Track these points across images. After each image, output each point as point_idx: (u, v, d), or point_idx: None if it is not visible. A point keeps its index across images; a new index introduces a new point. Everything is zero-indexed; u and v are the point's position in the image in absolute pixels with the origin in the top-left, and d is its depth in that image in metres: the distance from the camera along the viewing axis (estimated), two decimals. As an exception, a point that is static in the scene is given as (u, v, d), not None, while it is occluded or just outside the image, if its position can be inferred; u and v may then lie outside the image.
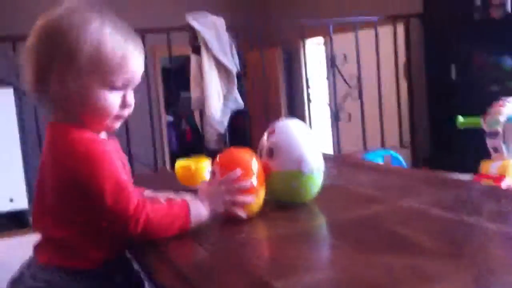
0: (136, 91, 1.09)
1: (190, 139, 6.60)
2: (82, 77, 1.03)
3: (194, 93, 3.58)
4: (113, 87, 1.04)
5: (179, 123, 6.89)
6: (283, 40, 5.23)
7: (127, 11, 4.11)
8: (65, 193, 1.03)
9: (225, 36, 3.60)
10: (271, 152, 1.15)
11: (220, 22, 3.59)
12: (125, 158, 1.14)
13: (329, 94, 5.21)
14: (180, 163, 1.44)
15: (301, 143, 1.15)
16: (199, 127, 3.67)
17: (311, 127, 4.06)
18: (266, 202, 1.13)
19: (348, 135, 4.47)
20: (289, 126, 1.18)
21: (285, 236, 0.99)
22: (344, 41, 4.36)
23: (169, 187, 1.29)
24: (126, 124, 3.62)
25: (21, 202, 3.26)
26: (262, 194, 1.11)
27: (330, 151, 4.55)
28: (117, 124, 1.10)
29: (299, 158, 1.14)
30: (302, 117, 4.85)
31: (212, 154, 1.15)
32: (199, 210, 1.05)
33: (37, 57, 1.04)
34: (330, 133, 4.95)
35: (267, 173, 1.14)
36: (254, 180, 1.09)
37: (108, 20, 1.05)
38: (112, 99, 1.05)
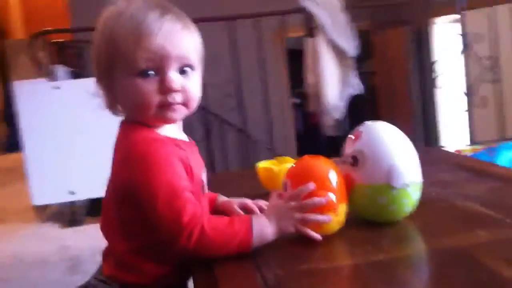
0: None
1: (317, 122, 6.42)
2: (112, 68, 0.94)
3: (309, 77, 3.43)
4: (140, 72, 0.92)
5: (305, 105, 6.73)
6: (410, 19, 4.86)
7: None
8: (121, 201, 0.94)
9: (342, 17, 3.38)
10: (355, 161, 0.97)
11: (336, 2, 3.38)
12: (199, 164, 1.02)
13: (462, 77, 4.79)
14: (263, 164, 1.29)
15: (392, 151, 0.95)
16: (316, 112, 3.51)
17: (439, 113, 3.73)
18: (348, 219, 0.96)
19: (484, 122, 4.05)
20: (378, 130, 0.98)
21: (361, 266, 0.82)
22: (478, 19, 3.94)
23: (252, 189, 1.16)
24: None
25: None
26: (342, 211, 0.94)
27: (462, 140, 4.17)
28: (174, 114, 0.96)
29: (389, 169, 0.94)
30: (431, 103, 4.50)
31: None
32: (264, 229, 0.90)
33: (96, 54, 0.98)
34: (463, 120, 4.54)
35: (349, 186, 0.97)
36: (331, 195, 0.92)
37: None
38: (143, 85, 0.92)
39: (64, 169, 3.24)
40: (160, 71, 0.92)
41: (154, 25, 0.91)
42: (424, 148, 1.84)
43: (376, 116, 5.21)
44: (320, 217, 0.91)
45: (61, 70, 3.83)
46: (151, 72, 0.92)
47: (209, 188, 1.09)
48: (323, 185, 0.92)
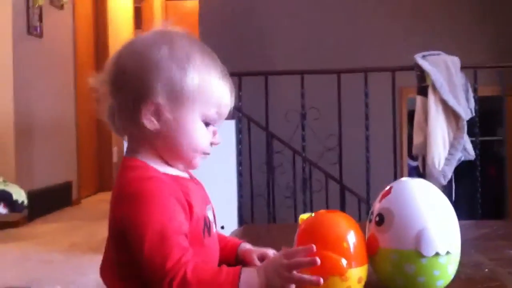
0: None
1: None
2: (182, 108, 0.94)
3: (416, 137, 3.24)
4: (207, 121, 0.96)
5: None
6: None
7: (351, 49, 4.09)
8: (115, 240, 0.91)
9: (459, 78, 3.19)
10: (381, 220, 0.85)
11: (453, 62, 3.20)
12: (202, 201, 0.97)
13: None
14: (304, 217, 1.19)
15: (424, 212, 0.82)
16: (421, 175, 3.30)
17: None
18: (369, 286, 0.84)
19: None
20: (411, 187, 0.86)
21: None
22: None
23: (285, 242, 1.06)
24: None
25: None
26: (355, 276, 0.82)
27: None
28: (200, 162, 0.99)
29: (419, 233, 0.81)
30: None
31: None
32: (251, 281, 0.82)
33: (134, 85, 0.95)
34: None
35: (374, 249, 0.85)
36: (338, 257, 0.81)
37: (206, 53, 0.99)
38: (205, 132, 0.96)
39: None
40: (215, 123, 0.98)
41: (231, 88, 0.99)
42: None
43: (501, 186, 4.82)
44: (307, 276, 0.80)
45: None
46: (212, 124, 0.98)
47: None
48: (334, 246, 0.82)
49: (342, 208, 3.35)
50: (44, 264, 3.18)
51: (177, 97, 0.94)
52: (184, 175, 1.00)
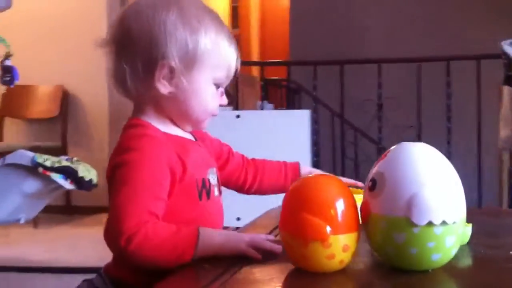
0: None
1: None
2: (195, 71, 0.95)
3: (503, 130, 3.01)
4: (218, 83, 0.98)
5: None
6: None
7: (434, 36, 3.84)
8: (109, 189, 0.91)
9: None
10: (373, 185, 0.77)
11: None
12: (203, 163, 0.98)
13: None
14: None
15: (419, 176, 0.74)
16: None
17: None
18: (361, 259, 0.77)
19: None
20: (409, 150, 0.77)
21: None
22: None
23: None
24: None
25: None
26: (339, 245, 0.75)
27: None
28: (207, 124, 1.02)
29: (410, 198, 0.73)
30: None
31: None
32: (210, 242, 0.83)
33: (144, 48, 0.95)
34: None
35: (365, 216, 0.78)
36: (327, 226, 0.74)
37: (214, 15, 1.00)
38: (215, 94, 0.99)
39: (235, 194, 3.32)
40: (222, 87, 1.01)
41: (237, 52, 1.00)
42: None
43: None
44: (268, 243, 0.83)
45: (264, 103, 4.02)
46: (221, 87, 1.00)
47: None
48: (317, 208, 0.75)
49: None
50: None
51: (190, 60, 0.94)
52: (188, 136, 1.01)
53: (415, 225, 0.72)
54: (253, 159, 1.17)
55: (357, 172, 3.50)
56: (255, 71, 5.65)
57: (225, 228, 1.05)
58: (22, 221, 2.23)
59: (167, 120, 0.97)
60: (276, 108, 4.39)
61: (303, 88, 3.60)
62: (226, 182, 1.10)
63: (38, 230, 3.71)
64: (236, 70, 1.01)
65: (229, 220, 3.41)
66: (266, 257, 0.82)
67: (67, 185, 2.10)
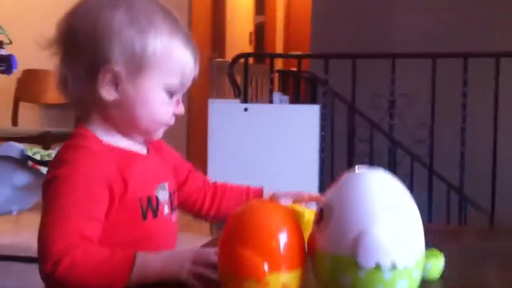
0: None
1: None
2: (142, 77, 0.86)
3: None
4: (170, 91, 0.89)
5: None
6: None
7: (449, 35, 3.66)
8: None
9: None
10: (320, 217, 0.69)
11: None
12: (152, 179, 0.90)
13: None
14: (295, 207, 1.03)
15: (368, 210, 0.65)
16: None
17: None
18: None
19: None
20: (361, 179, 0.68)
21: None
22: None
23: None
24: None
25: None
26: (279, 283, 0.66)
27: None
28: (161, 134, 0.93)
29: (357, 236, 0.64)
30: None
31: None
32: (147, 267, 0.75)
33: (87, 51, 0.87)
34: None
35: (312, 251, 0.69)
36: (265, 263, 0.66)
37: (168, 15, 0.90)
38: (167, 103, 0.89)
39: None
40: (178, 94, 0.91)
41: (195, 56, 0.91)
42: None
43: None
44: (207, 272, 0.75)
45: (277, 96, 3.92)
46: (175, 95, 0.91)
47: None
48: (256, 242, 0.67)
49: (430, 209, 3.05)
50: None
51: (136, 65, 0.85)
52: (138, 148, 0.92)
53: (361, 267, 0.64)
54: (214, 183, 1.07)
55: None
56: (278, 63, 5.55)
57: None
58: (14, 213, 2.20)
59: (114, 130, 0.89)
60: (291, 100, 4.29)
61: (319, 81, 3.49)
62: (182, 204, 1.00)
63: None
64: (194, 76, 0.92)
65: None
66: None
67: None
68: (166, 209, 0.90)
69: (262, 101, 4.27)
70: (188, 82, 0.91)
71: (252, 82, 3.94)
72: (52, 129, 4.03)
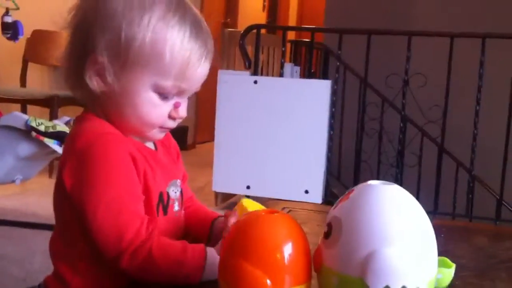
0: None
1: None
2: (127, 73, 0.78)
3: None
4: (163, 94, 0.79)
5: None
6: None
7: (468, 14, 3.56)
8: (61, 199, 0.80)
9: None
10: (328, 232, 0.65)
11: None
12: (164, 176, 0.85)
13: None
14: (247, 202, 0.96)
15: (380, 229, 0.61)
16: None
17: None
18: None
19: None
20: (374, 194, 0.64)
21: None
22: None
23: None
24: None
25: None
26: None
27: None
28: (161, 136, 0.85)
29: (368, 257, 0.61)
30: None
31: None
32: (215, 262, 0.70)
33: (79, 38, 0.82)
34: None
35: (318, 266, 0.66)
36: (267, 280, 0.63)
37: (174, 4, 0.79)
38: (159, 106, 0.80)
39: (247, 163, 3.23)
40: (177, 97, 0.82)
41: (202, 52, 0.79)
42: None
43: None
44: None
45: (289, 67, 3.84)
46: (171, 96, 0.81)
47: None
48: (260, 255, 0.63)
49: (436, 195, 3.01)
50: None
51: (121, 58, 0.77)
52: (145, 142, 0.86)
53: (371, 290, 0.60)
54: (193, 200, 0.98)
55: (379, 145, 3.35)
56: (291, 33, 5.45)
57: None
58: (18, 182, 2.19)
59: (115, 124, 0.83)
60: (303, 71, 4.22)
61: (333, 54, 3.42)
62: None
63: (52, 180, 3.70)
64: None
65: (239, 189, 3.34)
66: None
67: (61, 151, 2.02)
68: (176, 206, 0.86)
69: (272, 72, 4.20)
70: (192, 86, 0.82)
71: (263, 51, 3.86)
72: (60, 92, 3.99)
